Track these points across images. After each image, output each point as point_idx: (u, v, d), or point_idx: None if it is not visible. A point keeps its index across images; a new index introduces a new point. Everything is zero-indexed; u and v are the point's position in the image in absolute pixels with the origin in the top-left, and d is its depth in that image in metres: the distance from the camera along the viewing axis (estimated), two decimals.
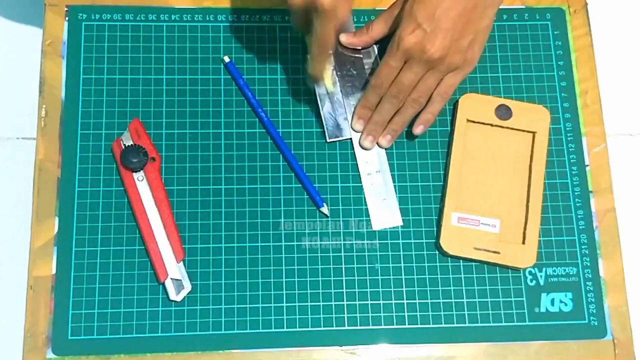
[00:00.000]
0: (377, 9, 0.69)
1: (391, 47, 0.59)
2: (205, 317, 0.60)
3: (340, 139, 0.64)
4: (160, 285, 0.60)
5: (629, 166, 1.23)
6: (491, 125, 0.65)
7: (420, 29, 0.57)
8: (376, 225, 0.62)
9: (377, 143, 0.64)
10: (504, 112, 0.65)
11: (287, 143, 0.64)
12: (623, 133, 1.26)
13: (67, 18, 0.66)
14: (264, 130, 0.64)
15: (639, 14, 1.32)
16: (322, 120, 0.64)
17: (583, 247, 0.63)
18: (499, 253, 0.61)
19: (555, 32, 0.69)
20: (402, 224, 0.63)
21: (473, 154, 0.64)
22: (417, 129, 0.63)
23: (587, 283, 0.62)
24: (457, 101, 0.65)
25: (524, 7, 0.70)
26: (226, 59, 0.65)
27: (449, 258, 0.62)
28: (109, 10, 0.66)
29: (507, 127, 0.65)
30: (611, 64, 1.24)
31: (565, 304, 0.62)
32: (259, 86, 0.65)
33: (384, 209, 0.63)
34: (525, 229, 0.62)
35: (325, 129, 0.64)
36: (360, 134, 0.64)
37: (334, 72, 0.65)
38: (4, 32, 1.22)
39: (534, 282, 0.62)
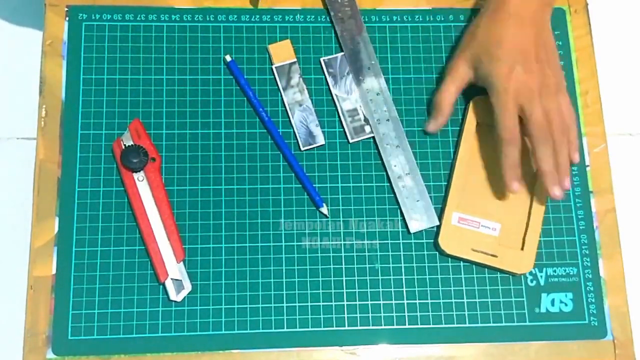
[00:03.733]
0: (377, 9, 0.69)
1: (498, 97, 0.59)
2: (205, 317, 0.60)
3: (314, 145, 0.64)
4: (161, 286, 0.60)
5: (629, 166, 1.23)
6: None
7: (517, 67, 0.58)
8: (413, 228, 0.62)
9: (563, 187, 0.60)
10: None
11: (288, 143, 0.64)
12: (623, 133, 1.26)
13: (67, 18, 0.65)
14: (264, 130, 0.64)
15: (639, 14, 1.32)
16: (294, 129, 0.64)
17: (583, 247, 0.63)
18: (496, 257, 0.61)
19: (555, 32, 0.69)
20: (438, 223, 0.62)
21: (480, 156, 0.64)
22: (577, 156, 0.61)
23: (588, 283, 0.62)
24: (468, 103, 0.65)
25: None
26: (227, 58, 0.65)
27: (449, 258, 0.62)
28: (109, 11, 0.66)
29: None
30: (611, 64, 1.24)
31: (566, 304, 0.62)
32: (259, 86, 0.65)
33: (419, 211, 0.62)
34: (525, 235, 0.62)
35: (298, 138, 0.64)
36: (382, 136, 0.63)
37: (301, 78, 0.65)
38: (4, 32, 1.22)
39: (534, 282, 0.62)
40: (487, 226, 0.62)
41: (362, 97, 0.65)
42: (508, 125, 0.59)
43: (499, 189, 0.63)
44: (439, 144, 0.65)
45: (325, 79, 0.66)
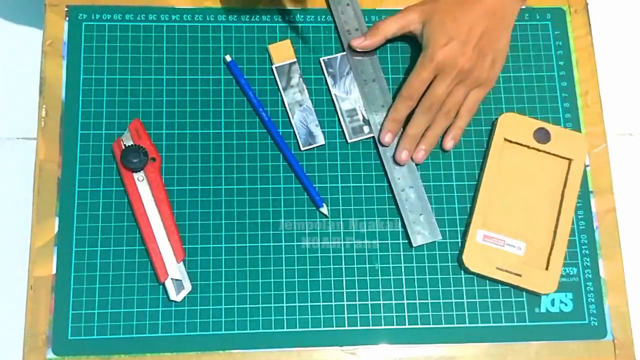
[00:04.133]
0: (377, 9, 0.69)
1: (424, 59, 0.61)
2: (205, 317, 0.59)
3: (314, 145, 0.64)
4: (161, 286, 0.60)
5: (629, 166, 1.23)
6: (528, 147, 0.64)
7: (454, 42, 0.60)
8: (416, 242, 0.62)
9: (412, 158, 0.64)
10: (542, 136, 0.64)
11: (288, 143, 0.64)
12: (623, 133, 1.26)
13: (67, 18, 0.65)
14: (264, 130, 0.64)
15: (639, 14, 1.32)
16: (294, 129, 0.64)
17: (583, 247, 0.63)
18: (520, 276, 0.61)
19: (555, 32, 0.69)
20: (441, 238, 0.62)
21: (506, 173, 0.64)
22: (449, 144, 0.64)
23: (588, 283, 0.62)
24: (496, 119, 0.65)
25: (524, 7, 0.69)
26: (227, 58, 0.65)
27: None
28: (109, 11, 0.66)
29: (544, 151, 0.64)
30: (611, 64, 1.24)
31: (566, 304, 0.62)
32: (258, 86, 0.65)
33: (422, 225, 0.62)
34: (550, 255, 0.61)
35: (298, 138, 0.64)
36: (386, 148, 0.64)
37: (301, 78, 0.65)
38: (5, 33, 1.22)
39: None
40: (512, 245, 0.62)
41: (366, 108, 0.65)
42: (414, 85, 0.62)
43: (525, 208, 0.63)
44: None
45: (325, 78, 0.66)
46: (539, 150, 0.64)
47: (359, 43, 0.65)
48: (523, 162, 0.64)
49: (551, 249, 0.62)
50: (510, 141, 0.64)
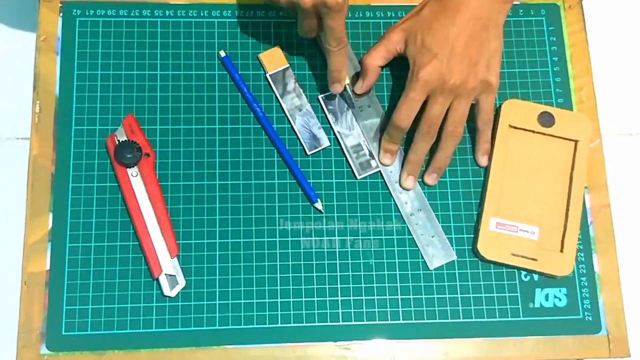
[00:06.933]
0: (370, 4, 0.69)
1: (410, 82, 0.59)
2: (199, 313, 0.59)
3: (320, 148, 0.64)
4: (155, 281, 0.60)
5: (629, 166, 1.23)
6: (533, 132, 0.64)
7: (437, 59, 0.58)
8: (432, 265, 0.61)
9: (424, 182, 0.63)
10: (546, 119, 0.64)
11: (282, 139, 0.64)
12: (623, 133, 1.26)
13: (61, 14, 0.65)
14: (258, 125, 0.64)
15: (634, 10, 1.32)
16: (297, 134, 0.64)
17: (578, 242, 0.63)
18: (536, 260, 0.61)
19: (550, 28, 0.69)
20: (456, 257, 0.62)
21: (514, 160, 0.64)
22: (482, 160, 0.64)
23: (582, 278, 0.62)
24: (500, 106, 0.65)
25: (518, 2, 0.70)
26: (222, 53, 0.65)
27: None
28: (103, 6, 0.66)
29: (550, 135, 0.64)
30: (611, 64, 1.24)
31: (560, 300, 0.62)
32: (253, 82, 0.65)
33: (436, 247, 0.62)
34: (564, 237, 0.62)
35: (303, 143, 0.64)
36: (391, 174, 0.63)
37: (297, 82, 0.65)
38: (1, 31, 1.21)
39: (528, 277, 0.62)
40: (525, 230, 0.62)
41: (367, 137, 0.64)
42: (402, 112, 0.60)
43: (536, 192, 0.63)
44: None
45: (326, 115, 0.65)
46: (545, 134, 0.64)
47: (359, 88, 0.64)
48: (529, 147, 0.64)
49: (564, 231, 0.62)
50: (515, 127, 0.64)
